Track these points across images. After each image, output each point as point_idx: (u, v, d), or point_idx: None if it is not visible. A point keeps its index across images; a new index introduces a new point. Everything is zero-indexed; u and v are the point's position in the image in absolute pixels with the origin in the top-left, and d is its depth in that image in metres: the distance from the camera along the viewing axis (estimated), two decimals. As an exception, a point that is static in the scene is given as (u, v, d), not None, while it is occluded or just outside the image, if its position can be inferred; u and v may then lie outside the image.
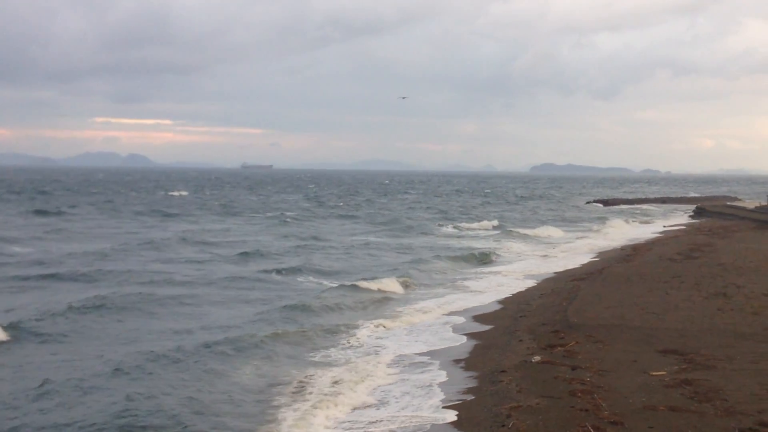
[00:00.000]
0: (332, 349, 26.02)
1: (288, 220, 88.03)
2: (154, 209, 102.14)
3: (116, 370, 21.94)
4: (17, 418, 18.23)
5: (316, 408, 19.33)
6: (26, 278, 39.80)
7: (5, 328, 26.56)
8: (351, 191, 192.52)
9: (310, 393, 20.66)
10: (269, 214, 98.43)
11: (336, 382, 21.78)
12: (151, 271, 42.91)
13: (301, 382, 21.85)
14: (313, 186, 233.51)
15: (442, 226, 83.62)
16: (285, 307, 32.34)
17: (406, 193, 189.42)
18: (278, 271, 43.35)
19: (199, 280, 40.42)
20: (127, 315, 30.79)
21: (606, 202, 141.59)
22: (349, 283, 39.02)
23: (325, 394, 20.51)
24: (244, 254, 51.55)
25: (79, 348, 25.39)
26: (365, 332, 28.35)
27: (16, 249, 53.40)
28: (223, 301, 34.68)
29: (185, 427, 17.73)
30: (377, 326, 29.39)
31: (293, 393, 20.84)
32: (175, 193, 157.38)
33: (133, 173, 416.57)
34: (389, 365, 23.95)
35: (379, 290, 37.52)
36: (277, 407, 19.57)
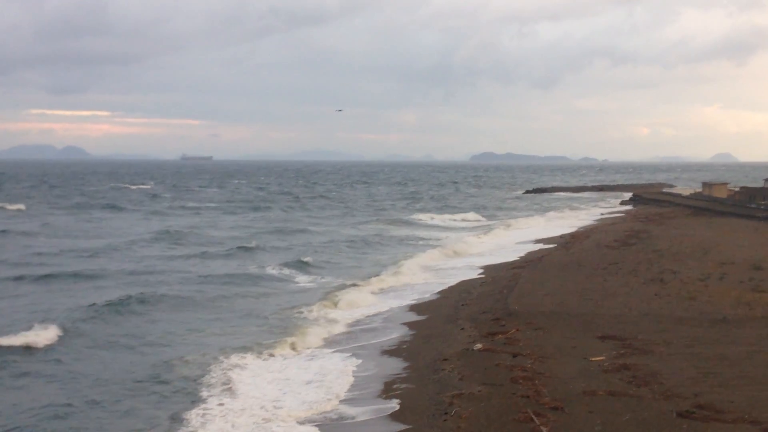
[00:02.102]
0: (280, 347, 25.85)
1: (270, 212, 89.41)
2: (124, 203, 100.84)
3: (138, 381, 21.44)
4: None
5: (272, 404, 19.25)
6: (47, 277, 38.85)
7: (76, 328, 26.23)
8: (309, 182, 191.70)
9: (242, 385, 20.56)
10: (248, 206, 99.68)
11: (282, 376, 21.69)
12: (155, 271, 41.93)
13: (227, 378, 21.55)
14: (263, 177, 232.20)
15: (418, 216, 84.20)
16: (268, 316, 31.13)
17: (365, 183, 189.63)
18: (275, 268, 43.01)
19: (201, 279, 39.49)
20: (152, 315, 30.34)
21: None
22: (350, 282, 38.21)
23: (266, 391, 20.38)
24: (242, 249, 51.38)
25: (106, 357, 24.59)
26: (315, 330, 27.72)
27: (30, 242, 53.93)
28: (219, 302, 33.68)
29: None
30: (328, 326, 28.89)
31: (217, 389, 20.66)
32: (142, 186, 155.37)
33: (74, 165, 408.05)
34: (331, 354, 23.91)
35: (351, 285, 37.07)
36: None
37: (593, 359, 20.67)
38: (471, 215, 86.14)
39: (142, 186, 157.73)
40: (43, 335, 24.99)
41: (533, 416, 16.10)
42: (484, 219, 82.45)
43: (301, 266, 43.70)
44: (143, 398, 19.90)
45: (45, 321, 27.05)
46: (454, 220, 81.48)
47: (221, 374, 21.65)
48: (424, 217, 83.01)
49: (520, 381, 18.74)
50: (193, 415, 18.27)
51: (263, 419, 17.96)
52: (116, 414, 18.71)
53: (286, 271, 42.38)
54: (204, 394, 19.95)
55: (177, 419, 18.06)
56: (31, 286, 36.89)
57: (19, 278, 38.43)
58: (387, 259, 47.52)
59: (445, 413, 16.89)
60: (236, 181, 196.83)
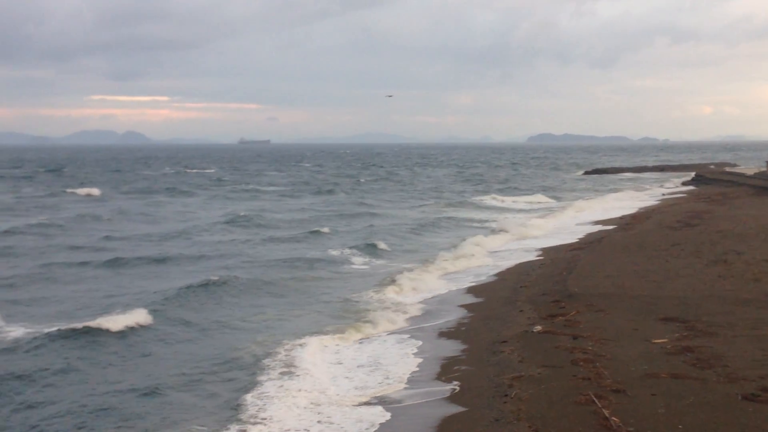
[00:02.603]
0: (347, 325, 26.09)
1: (333, 195, 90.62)
2: (188, 188, 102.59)
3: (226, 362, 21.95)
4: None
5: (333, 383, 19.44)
6: (117, 260, 39.80)
7: (149, 312, 26.71)
8: (368, 165, 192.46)
9: (301, 369, 20.76)
10: (310, 189, 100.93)
11: (341, 359, 21.93)
12: (223, 254, 42.28)
13: (288, 360, 21.80)
14: (322, 160, 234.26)
15: (482, 198, 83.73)
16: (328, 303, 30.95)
17: (424, 165, 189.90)
18: (341, 251, 43.32)
19: (268, 263, 39.73)
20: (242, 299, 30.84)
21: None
22: (413, 266, 37.75)
23: (326, 375, 20.60)
24: (308, 232, 51.86)
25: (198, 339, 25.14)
26: (378, 315, 27.52)
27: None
28: (285, 286, 33.82)
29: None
30: (390, 309, 28.51)
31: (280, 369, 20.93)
32: (205, 170, 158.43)
33: (136, 150, 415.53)
34: (388, 337, 24.03)
35: (414, 269, 36.71)
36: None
37: (655, 341, 20.40)
38: (538, 197, 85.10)
39: (204, 170, 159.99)
40: (121, 319, 25.54)
41: (594, 399, 15.97)
42: (551, 201, 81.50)
43: (366, 249, 43.77)
44: (209, 382, 20.25)
45: (121, 305, 27.75)
46: (516, 201, 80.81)
47: (284, 358, 21.83)
48: (487, 199, 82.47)
49: (581, 363, 18.59)
50: (254, 398, 18.48)
51: (323, 403, 18.10)
52: (183, 396, 19.10)
53: (350, 254, 42.45)
54: (264, 377, 20.16)
55: (237, 402, 18.31)
56: (104, 270, 37.62)
57: (90, 263, 39.24)
58: (451, 241, 47.24)
59: (505, 395, 16.84)
60: (295, 164, 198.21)
